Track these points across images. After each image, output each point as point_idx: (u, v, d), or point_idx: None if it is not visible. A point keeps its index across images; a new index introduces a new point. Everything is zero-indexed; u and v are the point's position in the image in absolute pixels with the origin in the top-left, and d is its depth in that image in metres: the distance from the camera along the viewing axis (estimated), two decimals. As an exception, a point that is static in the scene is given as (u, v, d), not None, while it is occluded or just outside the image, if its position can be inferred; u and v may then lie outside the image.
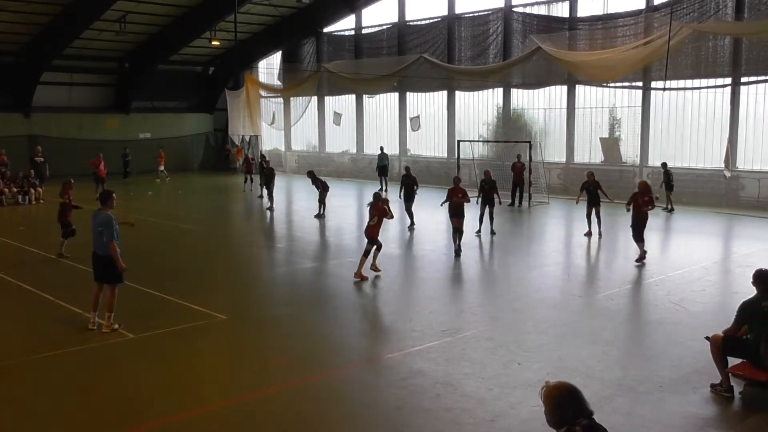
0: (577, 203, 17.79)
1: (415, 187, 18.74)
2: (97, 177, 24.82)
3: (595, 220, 16.43)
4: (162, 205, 24.39)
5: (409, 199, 18.53)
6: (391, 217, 13.29)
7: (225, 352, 9.05)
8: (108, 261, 9.48)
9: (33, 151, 26.88)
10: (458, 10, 28.42)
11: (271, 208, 22.02)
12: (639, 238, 13.69)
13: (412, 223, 18.13)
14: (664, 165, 21.45)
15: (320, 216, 20.07)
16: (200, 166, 38.14)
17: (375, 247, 12.63)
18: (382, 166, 27.86)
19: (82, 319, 10.05)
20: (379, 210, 12.79)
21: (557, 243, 17.26)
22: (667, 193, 20.92)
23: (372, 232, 12.60)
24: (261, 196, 23.95)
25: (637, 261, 13.60)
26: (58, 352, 8.73)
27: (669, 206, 20.83)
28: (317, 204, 20.24)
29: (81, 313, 10.20)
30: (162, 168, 32.68)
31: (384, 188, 27.34)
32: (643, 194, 13.80)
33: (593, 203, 16.40)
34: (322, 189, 20.26)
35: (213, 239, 17.82)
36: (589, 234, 16.53)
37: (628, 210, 13.97)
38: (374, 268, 12.71)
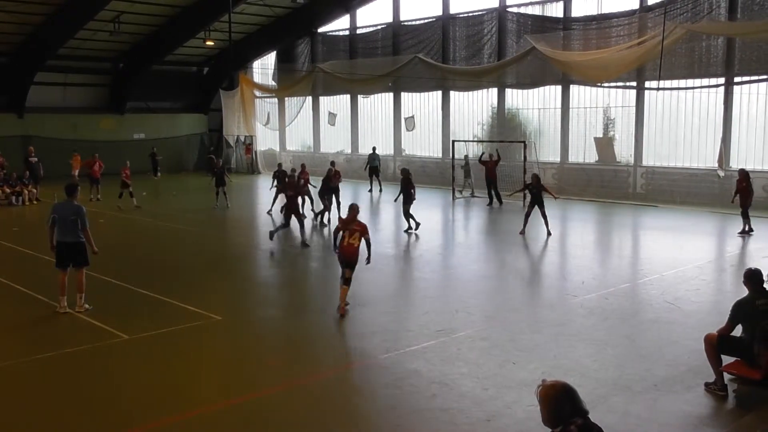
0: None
1: (413, 191, 17.86)
2: (91, 177, 24.79)
3: (542, 219, 16.91)
4: (156, 205, 24.30)
5: (407, 203, 17.85)
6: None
7: (220, 353, 9.03)
8: (80, 246, 10.26)
9: (26, 151, 26.75)
10: (453, 11, 28.43)
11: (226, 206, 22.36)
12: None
13: (409, 227, 17.71)
14: (465, 157, 24.86)
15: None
16: (195, 167, 38.03)
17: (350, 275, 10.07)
18: (374, 166, 27.79)
19: (75, 319, 10.04)
20: (360, 227, 10.20)
21: (552, 242, 17.27)
22: (467, 180, 24.64)
23: (355, 254, 10.11)
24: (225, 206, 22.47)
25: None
26: (52, 354, 8.71)
27: (471, 192, 24.56)
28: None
29: (74, 314, 10.20)
30: (75, 173, 27.35)
31: (379, 188, 27.36)
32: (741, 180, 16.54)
33: (536, 203, 16.96)
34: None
35: (207, 240, 17.79)
36: (522, 233, 16.93)
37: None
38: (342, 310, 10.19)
